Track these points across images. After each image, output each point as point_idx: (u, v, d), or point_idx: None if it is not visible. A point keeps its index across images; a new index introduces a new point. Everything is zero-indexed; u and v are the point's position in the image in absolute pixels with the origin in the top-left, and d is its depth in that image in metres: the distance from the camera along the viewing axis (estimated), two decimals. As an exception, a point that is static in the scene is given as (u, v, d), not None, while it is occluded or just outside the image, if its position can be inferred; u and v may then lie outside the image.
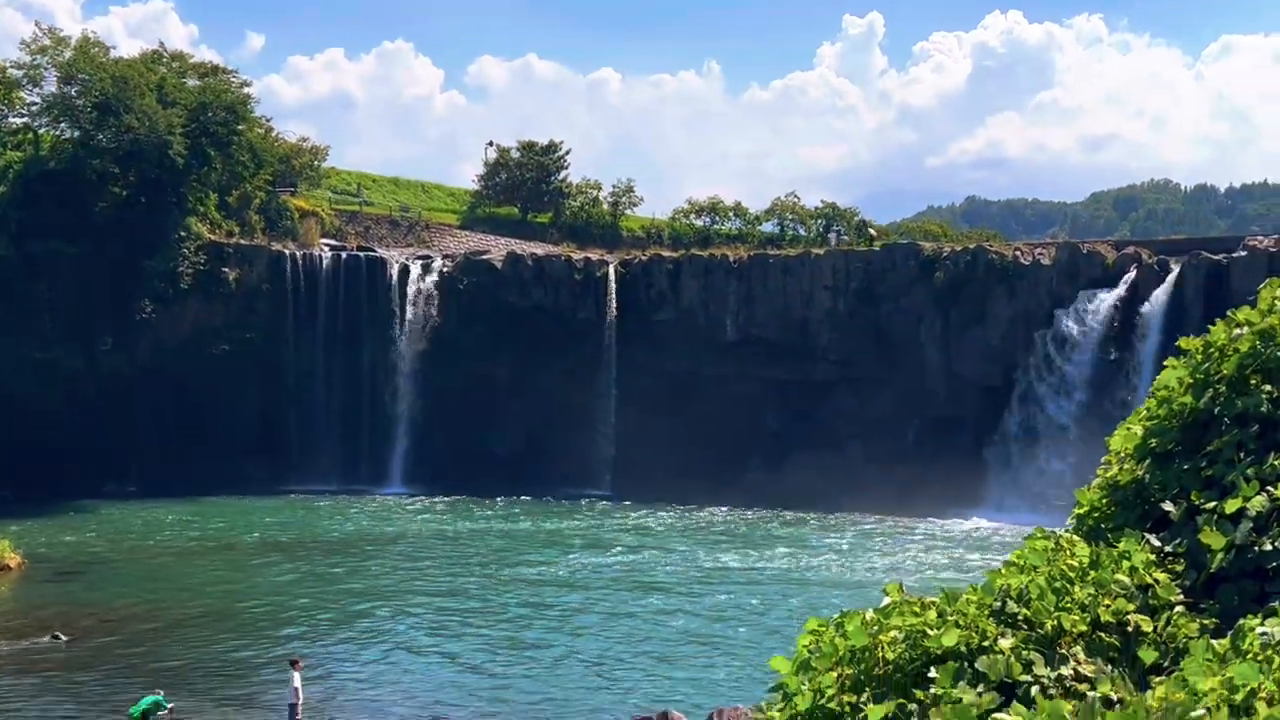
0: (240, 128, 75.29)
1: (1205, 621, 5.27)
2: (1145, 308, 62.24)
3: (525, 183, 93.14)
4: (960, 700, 5.10)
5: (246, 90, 77.86)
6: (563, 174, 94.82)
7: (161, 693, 27.21)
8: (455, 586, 44.14)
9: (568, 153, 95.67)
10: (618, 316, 73.78)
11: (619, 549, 52.66)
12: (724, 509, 65.24)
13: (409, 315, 74.68)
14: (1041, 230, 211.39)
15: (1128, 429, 6.54)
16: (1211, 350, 6.21)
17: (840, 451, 68.09)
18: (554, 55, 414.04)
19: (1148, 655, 5.30)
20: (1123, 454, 6.48)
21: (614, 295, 73.99)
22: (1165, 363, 6.45)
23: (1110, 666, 5.29)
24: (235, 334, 71.68)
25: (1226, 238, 72.73)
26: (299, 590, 43.20)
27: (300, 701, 26.67)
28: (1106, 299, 63.47)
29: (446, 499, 67.76)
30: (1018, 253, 67.89)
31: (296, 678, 26.83)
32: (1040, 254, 67.43)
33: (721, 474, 67.98)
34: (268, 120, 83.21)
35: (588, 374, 72.79)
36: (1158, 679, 5.01)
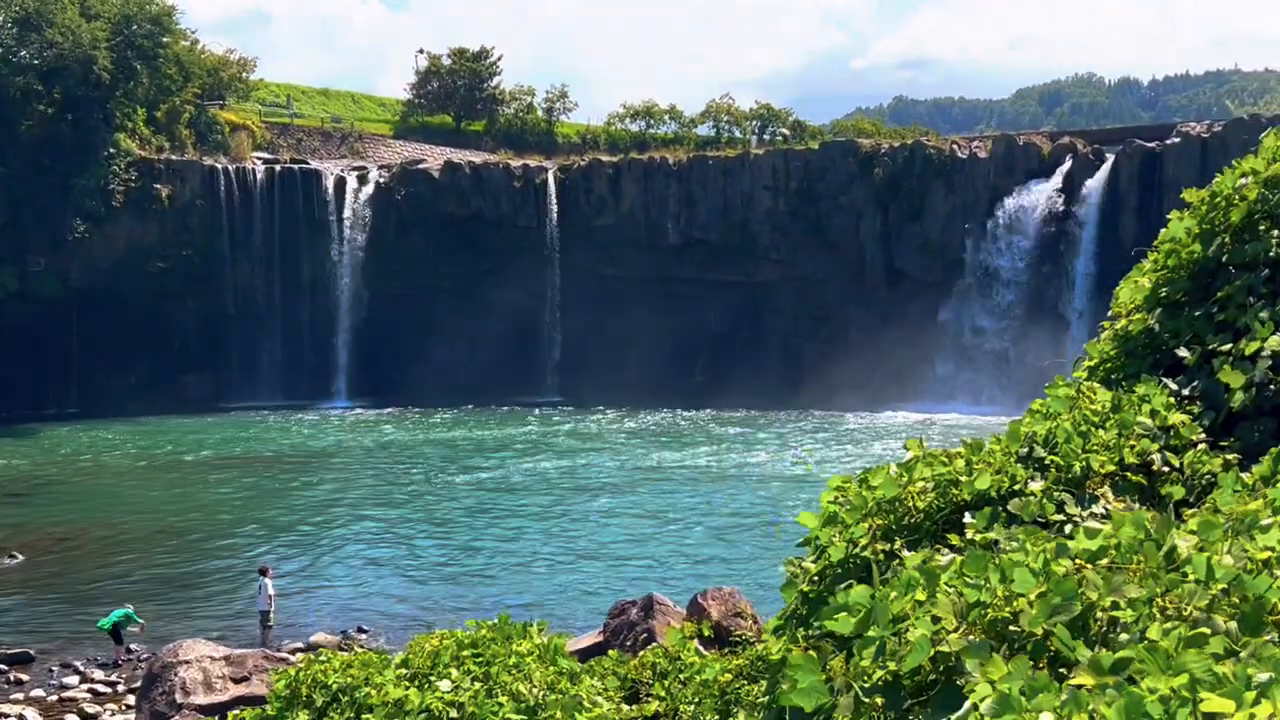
0: (165, 40, 73.53)
1: (1229, 458, 5.41)
2: (1082, 196, 63.01)
3: (458, 91, 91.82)
4: (998, 541, 5.21)
5: (170, 2, 75.86)
6: (495, 81, 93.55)
7: (130, 607, 27.17)
8: (405, 495, 44.24)
9: (500, 59, 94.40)
10: (559, 223, 73.46)
11: (567, 453, 52.96)
12: (671, 410, 65.69)
13: (347, 227, 73.87)
14: (969, 128, 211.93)
15: (1135, 281, 6.65)
16: (1218, 200, 6.31)
17: (784, 350, 68.70)
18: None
19: (1175, 491, 5.42)
20: (1131, 305, 6.59)
21: (554, 202, 73.60)
22: (1169, 216, 6.55)
23: (1138, 504, 5.43)
24: (170, 251, 70.59)
25: (1158, 125, 73.58)
26: (249, 504, 43.11)
27: (273, 608, 26.76)
28: (1044, 189, 64.14)
29: (391, 411, 67.63)
30: (955, 147, 68.23)
31: (269, 585, 26.89)
32: (977, 148, 67.82)
33: (668, 376, 68.42)
34: (193, 32, 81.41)
35: (530, 281, 72.57)
36: (1189, 511, 5.14)
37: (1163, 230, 6.59)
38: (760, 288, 70.75)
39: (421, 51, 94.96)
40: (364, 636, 26.54)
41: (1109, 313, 6.83)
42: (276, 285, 73.16)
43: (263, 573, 27.40)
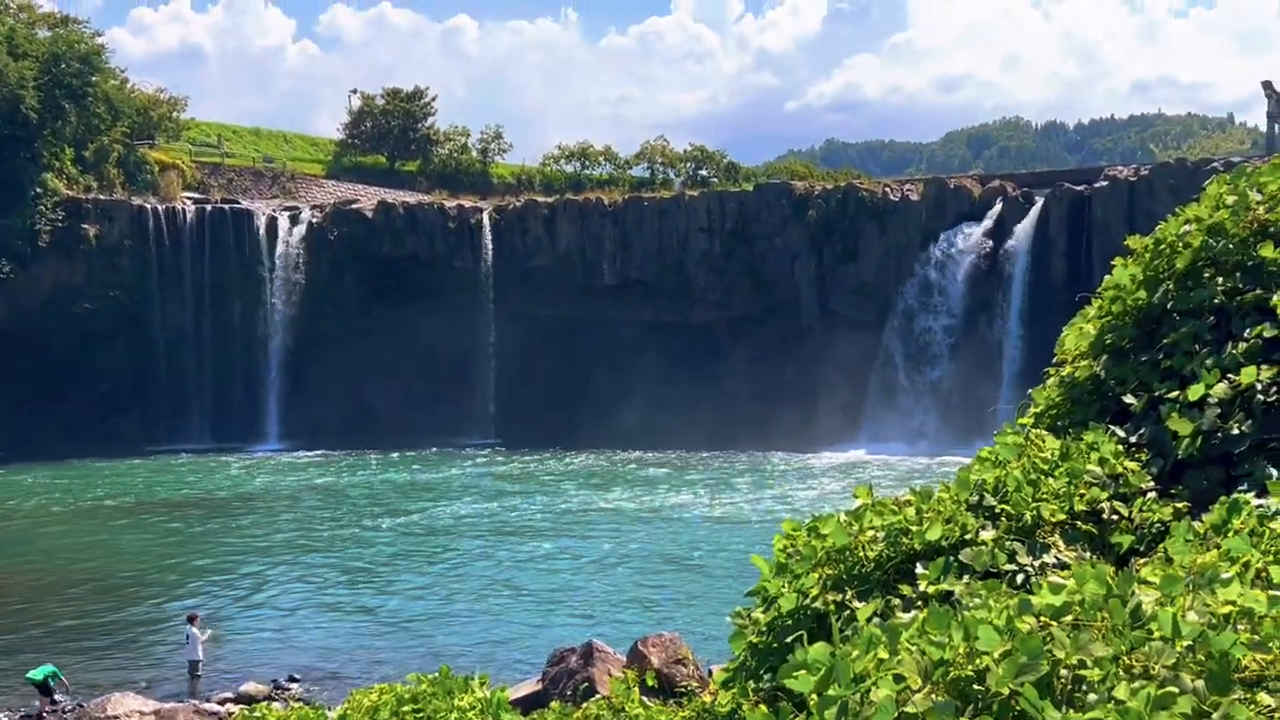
0: (94, 79, 72.80)
1: (1179, 506, 5.41)
2: (1012, 239, 63.94)
3: (392, 131, 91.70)
4: (952, 592, 5.16)
5: (99, 40, 75.21)
6: (430, 121, 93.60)
7: (53, 666, 26.49)
8: (336, 540, 43.67)
9: (434, 99, 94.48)
10: (494, 264, 73.28)
11: (501, 495, 52.62)
12: (606, 452, 65.50)
13: (279, 268, 73.25)
14: (898, 171, 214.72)
15: (1080, 328, 6.67)
16: (1162, 247, 6.35)
17: (720, 391, 68.83)
18: (408, 3, 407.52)
19: (1123, 540, 5.41)
20: (1076, 351, 6.60)
21: (489, 242, 73.47)
22: (1114, 262, 6.58)
23: (1089, 553, 5.41)
24: (98, 292, 69.59)
25: (1086, 169, 74.97)
26: (178, 549, 42.35)
27: (202, 657, 26.21)
28: (975, 232, 65.00)
29: (323, 453, 66.92)
30: (887, 190, 69.00)
31: (198, 633, 26.35)
32: (909, 190, 68.64)
33: (604, 418, 68.30)
34: (122, 71, 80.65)
35: (466, 322, 72.24)
36: (1140, 561, 5.13)
37: (1107, 277, 6.62)
38: (696, 329, 70.92)
39: (355, 91, 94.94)
40: (296, 686, 26.06)
41: (1054, 358, 6.84)
42: (207, 326, 72.30)
43: (191, 621, 26.86)
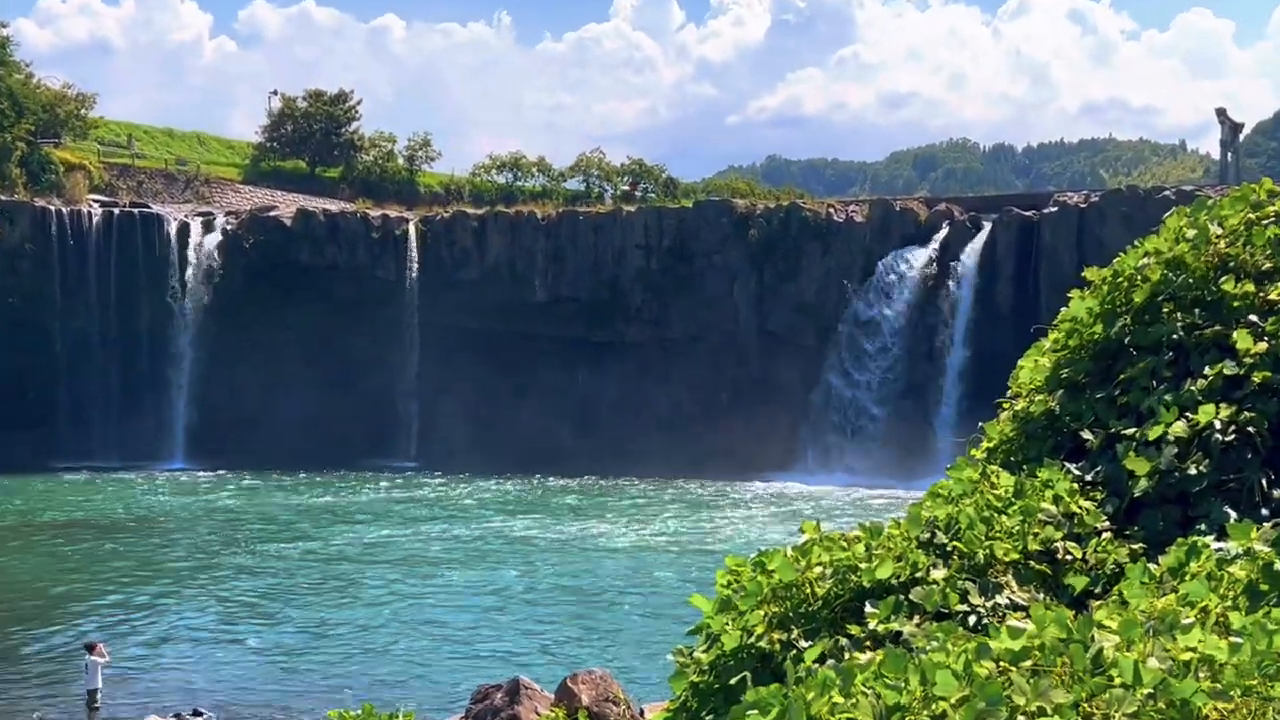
0: (-2, 72, 71.70)
1: (1133, 547, 5.50)
2: (958, 264, 64.71)
3: (313, 135, 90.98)
4: (901, 632, 5.22)
5: (3, 31, 74.13)
6: (354, 126, 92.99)
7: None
8: (246, 566, 43.16)
9: (359, 103, 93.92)
10: (419, 276, 72.98)
11: (423, 522, 52.32)
12: (535, 477, 65.33)
13: (190, 277, 72.44)
14: (842, 190, 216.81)
15: (1035, 361, 6.77)
16: (1120, 280, 6.47)
17: (654, 414, 68.96)
18: (333, 1, 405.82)
19: (1077, 581, 5.49)
20: (1031, 385, 6.70)
21: (415, 253, 73.17)
22: (1070, 294, 6.69)
23: (1042, 594, 5.48)
24: (-5, 298, 68.39)
25: (1034, 194, 76.17)
26: (76, 574, 41.66)
27: (101, 687, 25.78)
28: (920, 256, 65.72)
29: (234, 474, 66.14)
30: (831, 210, 69.61)
31: (97, 661, 25.93)
32: (854, 211, 69.28)
33: (532, 440, 68.11)
34: (27, 65, 79.53)
35: (388, 338, 71.84)
36: (1095, 603, 5.21)
37: (1063, 309, 6.72)
38: (630, 348, 71.03)
39: (275, 92, 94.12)
40: (200, 720, 25.71)
41: (1006, 390, 6.94)
42: (113, 337, 71.26)
43: (90, 649, 26.43)
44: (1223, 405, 5.71)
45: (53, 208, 71.06)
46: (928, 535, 5.77)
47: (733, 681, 5.72)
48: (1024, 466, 6.28)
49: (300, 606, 37.01)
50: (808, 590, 5.74)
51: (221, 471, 66.89)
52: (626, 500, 58.97)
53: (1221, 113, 72.09)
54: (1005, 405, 6.91)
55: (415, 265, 73.20)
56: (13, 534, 49.32)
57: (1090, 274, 6.81)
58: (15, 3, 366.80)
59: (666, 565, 42.66)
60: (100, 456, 68.56)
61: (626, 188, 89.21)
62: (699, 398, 69.14)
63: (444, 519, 53.11)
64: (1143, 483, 5.71)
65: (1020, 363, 6.93)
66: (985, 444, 6.78)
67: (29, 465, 65.40)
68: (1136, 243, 6.67)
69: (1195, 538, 4.94)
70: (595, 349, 71.47)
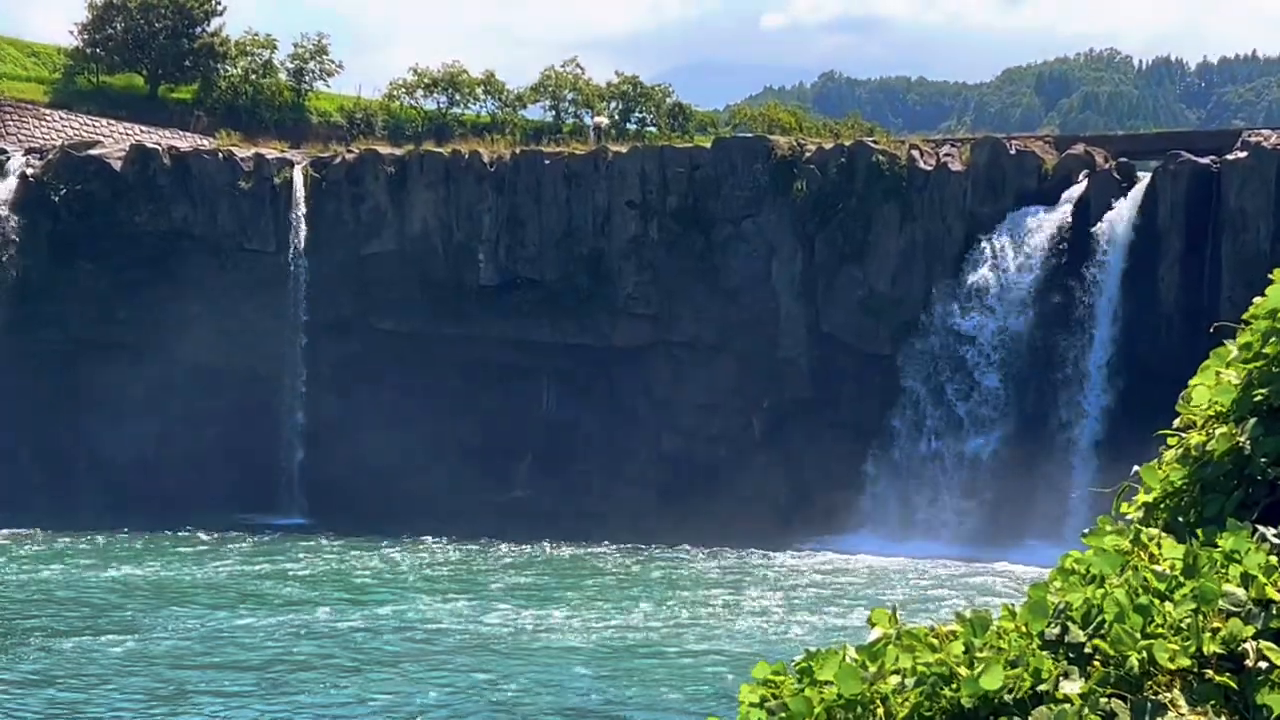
0: None
1: (1358, 650, 5.50)
2: (1101, 235, 64.64)
3: (154, 38, 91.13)
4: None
5: None
6: (215, 24, 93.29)
7: None
8: (43, 669, 43.11)
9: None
10: (308, 248, 73.04)
11: (305, 605, 52.38)
12: (473, 541, 65.34)
13: (-28, 244, 72.57)
14: (932, 124, 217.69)
15: (1216, 377, 6.77)
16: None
17: (651, 451, 68.96)
18: None
19: (1276, 701, 5.50)
20: (1210, 411, 6.70)
21: (302, 214, 73.23)
22: (1273, 275, 6.69)
23: (1224, 717, 5.49)
24: None
25: (1215, 132, 76.36)
26: None
27: None
28: (1045, 223, 65.68)
29: (31, 533, 66.07)
30: (915, 153, 69.61)
31: None
32: (948, 156, 69.29)
33: (472, 488, 68.16)
34: None
35: (262, 337, 71.86)
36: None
37: (1257, 299, 6.72)
38: (619, 356, 71.05)
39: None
40: None
41: (1176, 420, 6.95)
42: None
43: None
44: None
45: None
46: (1057, 630, 5.79)
47: None
48: (1198, 531, 6.29)
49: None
50: (880, 710, 5.77)
51: (15, 530, 66.77)
52: (606, 575, 58.97)
53: None
54: (1171, 441, 6.92)
55: (302, 231, 73.17)
56: None
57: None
58: None
59: (662, 675, 42.68)
60: None
61: (600, 119, 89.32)
62: (717, 429, 69.12)
63: (339, 601, 53.10)
64: (1372, 556, 5.72)
65: (1194, 380, 6.94)
66: (1141, 498, 6.79)
67: None
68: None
69: None
70: (567, 357, 71.45)
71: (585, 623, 50.10)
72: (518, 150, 75.33)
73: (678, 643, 47.33)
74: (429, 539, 65.65)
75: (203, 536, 66.40)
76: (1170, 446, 6.92)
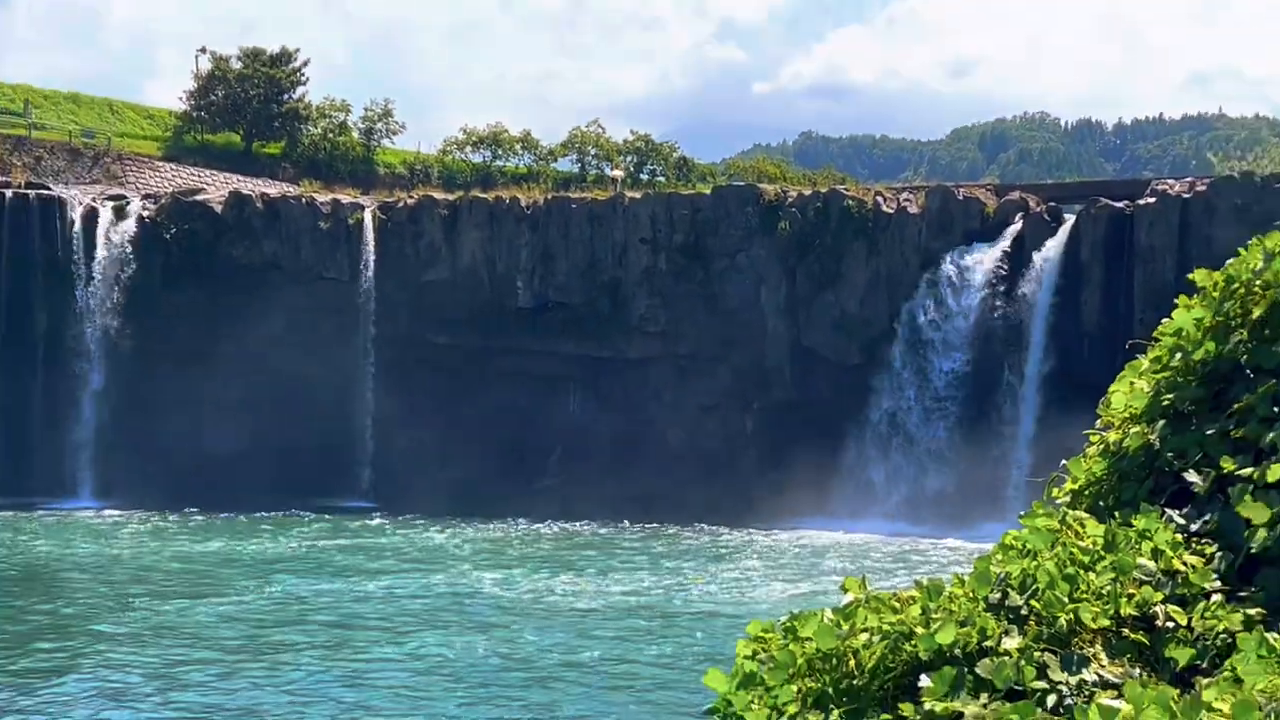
0: None
1: (1250, 613, 5.47)
2: (1034, 266, 64.71)
3: (250, 103, 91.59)
4: (964, 713, 5.21)
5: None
6: (299, 92, 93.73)
7: None
8: (152, 626, 43.02)
9: (305, 65, 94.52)
10: (376, 276, 73.17)
11: (373, 575, 52.18)
12: (514, 521, 65.43)
13: (97, 274, 72.65)
14: (893, 174, 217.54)
15: (1131, 385, 6.76)
16: (1235, 287, 6.46)
17: (661, 447, 68.94)
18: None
19: (1181, 654, 5.46)
20: (1126, 414, 6.69)
21: (371, 249, 73.39)
22: (1177, 300, 6.69)
23: (1138, 668, 5.46)
24: None
25: (1128, 181, 76.34)
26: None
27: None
28: (987, 256, 65.74)
29: (147, 515, 66.12)
30: (879, 199, 69.72)
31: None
32: (906, 201, 69.39)
33: (511, 477, 68.22)
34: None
35: (337, 351, 71.96)
36: (1203, 681, 5.19)
37: (1165, 320, 6.72)
38: (634, 367, 71.10)
39: (204, 51, 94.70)
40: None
41: (1097, 421, 6.93)
42: (1, 347, 71.40)
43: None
44: (1361, 440, 5.70)
45: (-69, 189, 71.35)
46: (998, 596, 5.77)
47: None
48: (1116, 513, 6.27)
49: (218, 675, 36.88)
50: (851, 661, 5.74)
51: (133, 512, 66.88)
52: (623, 551, 58.84)
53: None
54: (1094, 438, 6.91)
55: (371, 262, 73.35)
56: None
57: (1199, 277, 6.80)
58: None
59: (673, 633, 42.51)
60: (-17, 492, 68.57)
61: (617, 172, 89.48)
62: (716, 428, 69.14)
63: (402, 572, 52.99)
64: (1261, 534, 5.70)
65: (1112, 387, 6.92)
66: (1069, 485, 6.77)
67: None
68: (1255, 240, 6.67)
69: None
70: (590, 367, 71.52)
71: (600, 588, 50.06)
72: (550, 196, 75.62)
73: (680, 605, 47.27)
74: (476, 520, 65.67)
75: (290, 516, 66.53)
76: (1093, 443, 6.91)
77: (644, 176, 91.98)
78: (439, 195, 76.76)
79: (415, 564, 55.19)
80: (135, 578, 51.39)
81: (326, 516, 66.82)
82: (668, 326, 70.96)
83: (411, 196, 76.68)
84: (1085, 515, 6.15)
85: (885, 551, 58.52)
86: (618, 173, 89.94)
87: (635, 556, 57.43)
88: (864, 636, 5.81)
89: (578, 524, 65.16)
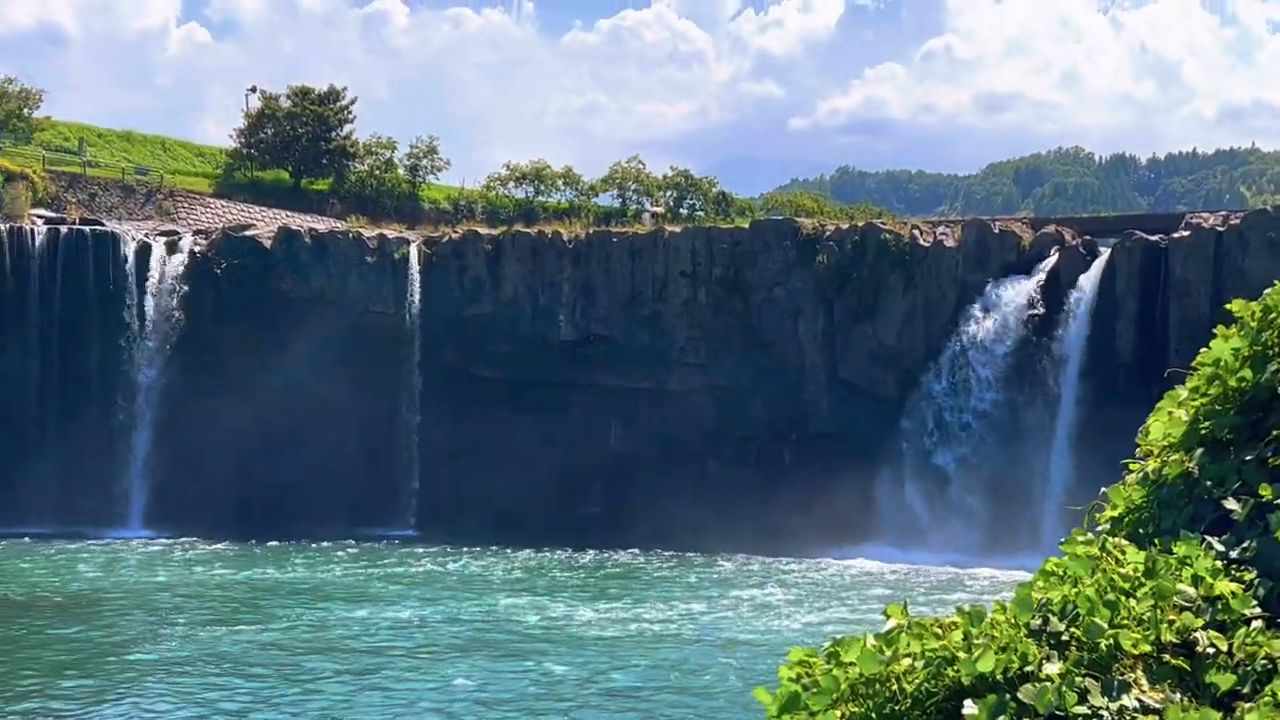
0: (-74, 63, 72.83)
1: (1290, 638, 5.45)
2: (1069, 299, 64.50)
3: (298, 140, 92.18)
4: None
5: (-66, 15, 75.29)
6: (347, 130, 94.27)
7: None
8: (197, 654, 43.14)
9: (353, 103, 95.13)
10: (421, 309, 73.41)
11: (418, 603, 52.22)
12: (557, 550, 65.33)
13: (150, 308, 73.07)
14: (928, 208, 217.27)
15: (1169, 414, 6.73)
16: (1273, 316, 6.44)
17: (701, 476, 68.83)
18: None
19: (1222, 679, 5.44)
20: (1165, 443, 6.67)
21: (416, 282, 73.63)
22: (1215, 330, 6.67)
23: (1178, 694, 5.44)
24: (-82, 331, 69.17)
25: (1162, 215, 76.11)
26: (2, 662, 41.81)
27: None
28: (1023, 289, 65.50)
29: (196, 544, 66.38)
30: (916, 232, 69.61)
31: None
32: (943, 234, 69.24)
33: (554, 507, 68.15)
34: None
35: (383, 382, 72.16)
36: (1243, 706, 5.17)
37: (1204, 350, 6.70)
38: (673, 398, 71.07)
39: (254, 90, 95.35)
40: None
41: (1136, 449, 6.91)
42: (54, 378, 71.89)
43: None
44: (1399, 467, 5.67)
45: (-11, 224, 71.93)
46: (1039, 622, 5.75)
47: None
48: (1156, 541, 6.25)
49: (265, 704, 36.95)
50: (894, 686, 5.73)
51: (182, 540, 67.13)
52: (664, 580, 58.75)
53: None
54: (1133, 467, 6.88)
55: (417, 296, 73.61)
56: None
57: (1237, 308, 6.78)
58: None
59: (714, 659, 42.40)
60: (34, 521, 68.83)
61: (656, 209, 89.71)
62: (755, 458, 68.99)
63: (445, 600, 53.01)
64: (1301, 561, 5.68)
65: (1151, 416, 6.90)
66: (1109, 513, 6.75)
67: (-49, 530, 65.81)
68: (1292, 271, 6.65)
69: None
70: (631, 399, 71.54)
71: (635, 616, 49.96)
72: (591, 231, 75.77)
73: (730, 631, 47.16)
74: (518, 548, 65.65)
75: (329, 545, 66.61)
76: (1132, 471, 6.89)
77: (684, 211, 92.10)
78: (483, 230, 77.02)
79: (453, 592, 55.18)
80: (177, 605, 51.56)
81: (370, 545, 66.96)
82: (707, 359, 70.93)
83: (456, 231, 76.98)
84: (1125, 542, 6.13)
85: (921, 581, 58.22)
86: (658, 207, 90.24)
87: (672, 585, 57.29)
88: (906, 662, 5.79)
89: (617, 553, 65.08)
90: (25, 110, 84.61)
